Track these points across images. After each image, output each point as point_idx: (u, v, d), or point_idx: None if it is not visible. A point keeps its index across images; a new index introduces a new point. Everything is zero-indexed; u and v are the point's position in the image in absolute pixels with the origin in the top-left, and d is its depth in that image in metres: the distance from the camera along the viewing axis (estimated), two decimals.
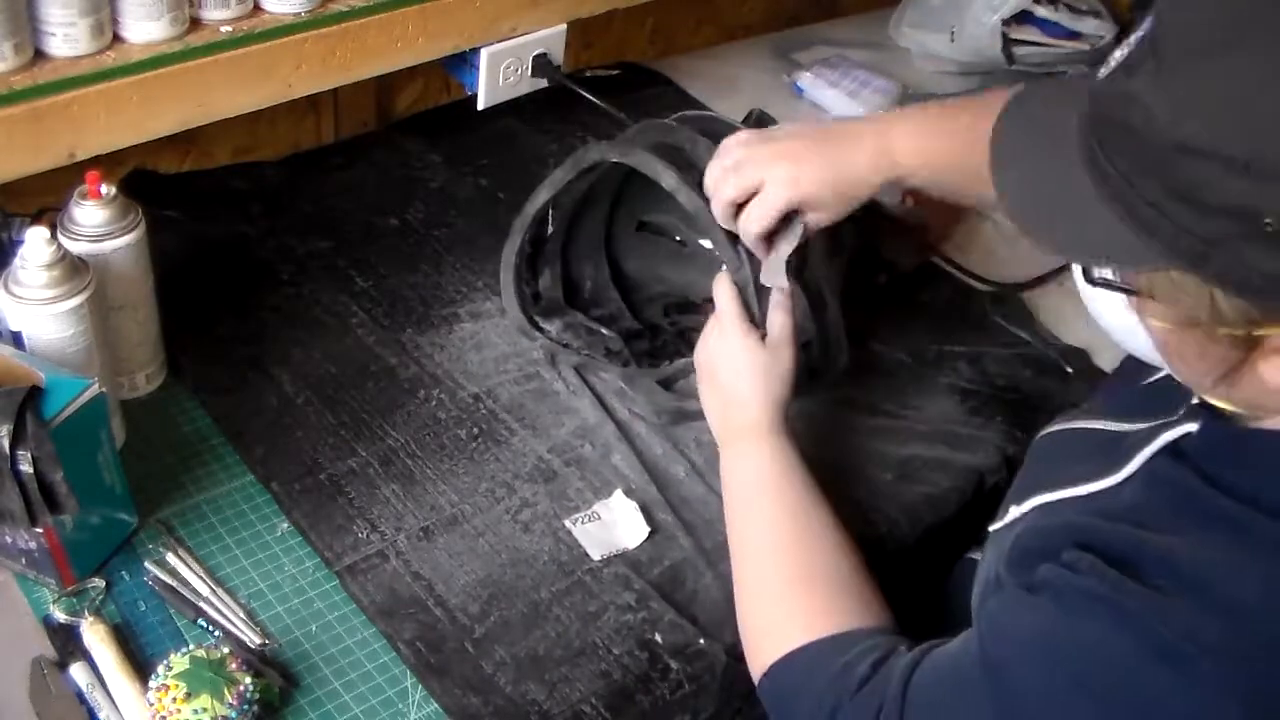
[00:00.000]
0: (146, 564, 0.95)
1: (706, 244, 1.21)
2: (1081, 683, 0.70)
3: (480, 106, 1.36)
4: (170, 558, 0.96)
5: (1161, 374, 0.88)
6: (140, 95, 1.04)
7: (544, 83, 1.38)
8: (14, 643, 0.89)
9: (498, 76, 1.33)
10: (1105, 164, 0.66)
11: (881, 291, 1.30)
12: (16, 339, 0.94)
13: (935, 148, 0.98)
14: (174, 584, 0.94)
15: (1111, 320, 0.78)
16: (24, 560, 0.92)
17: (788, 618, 0.89)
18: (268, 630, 0.93)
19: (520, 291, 1.20)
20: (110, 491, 0.94)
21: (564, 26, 1.36)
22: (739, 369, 1.00)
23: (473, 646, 0.93)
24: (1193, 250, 0.63)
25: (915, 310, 1.32)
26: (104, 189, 0.99)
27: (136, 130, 1.06)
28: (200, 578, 0.95)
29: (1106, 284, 0.72)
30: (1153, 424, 0.80)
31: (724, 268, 1.05)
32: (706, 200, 1.03)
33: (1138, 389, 0.90)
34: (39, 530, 0.87)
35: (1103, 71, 0.68)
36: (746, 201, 0.99)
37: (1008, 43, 1.69)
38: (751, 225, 0.99)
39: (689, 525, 1.05)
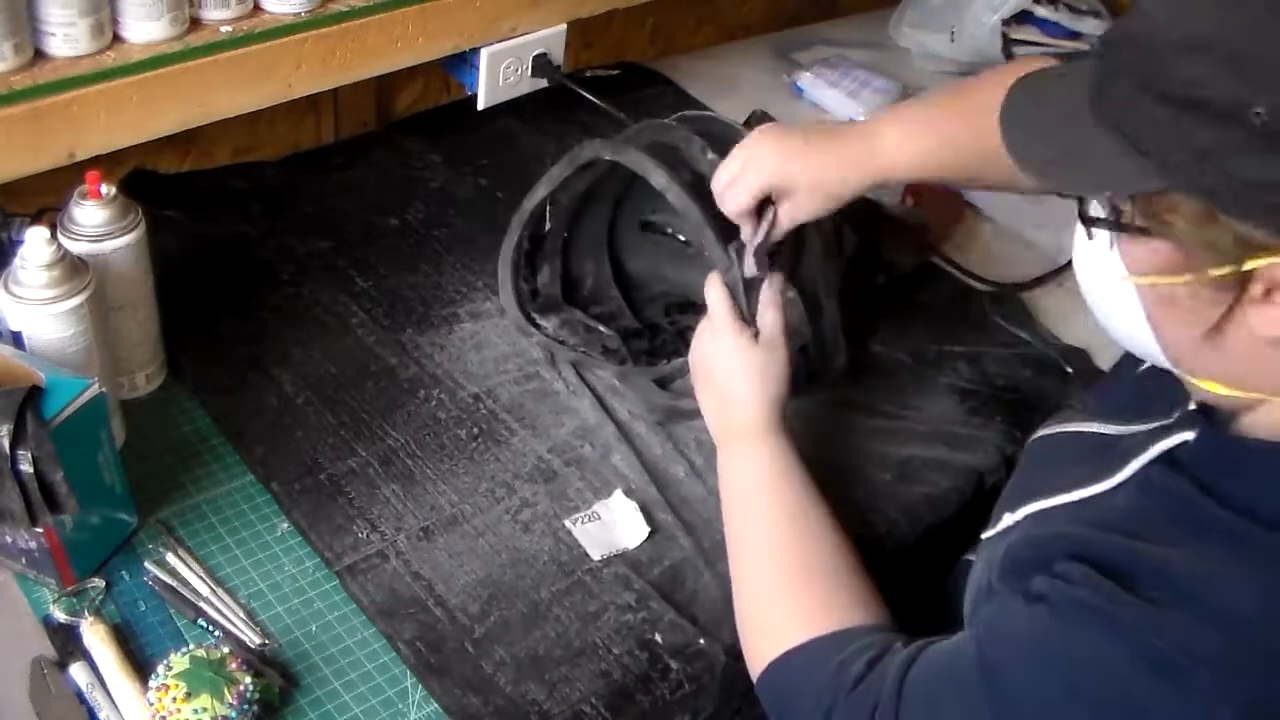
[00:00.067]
0: (146, 564, 0.96)
1: None
2: (1077, 692, 0.70)
3: (480, 106, 1.36)
4: (170, 558, 0.96)
5: (1151, 367, 0.88)
6: (140, 95, 1.04)
7: (544, 83, 1.38)
8: (14, 643, 0.89)
9: (498, 76, 1.33)
10: (1108, 91, 0.69)
11: (881, 291, 1.30)
12: (16, 339, 0.94)
13: (922, 148, 0.99)
14: (174, 584, 0.94)
15: (1110, 310, 0.77)
16: (24, 560, 0.92)
17: (785, 616, 0.89)
18: (268, 630, 0.93)
19: (518, 288, 1.21)
20: (110, 491, 0.94)
21: (564, 26, 1.36)
22: (733, 369, 1.00)
23: (473, 646, 0.93)
24: (1184, 165, 0.65)
25: (915, 310, 1.32)
26: (104, 189, 0.99)
27: (136, 130, 1.06)
28: (200, 578, 0.95)
29: (1104, 223, 0.72)
30: (1147, 427, 0.80)
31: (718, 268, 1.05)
32: (696, 200, 1.04)
33: (1130, 386, 0.90)
34: (39, 530, 0.87)
35: None
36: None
37: (1008, 43, 1.70)
38: (725, 204, 1.01)
39: (689, 525, 1.05)
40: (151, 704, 0.83)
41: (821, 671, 0.84)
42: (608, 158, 1.09)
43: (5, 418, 0.83)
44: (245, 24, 1.09)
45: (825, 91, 1.66)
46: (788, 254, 1.05)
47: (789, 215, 1.01)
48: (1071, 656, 0.71)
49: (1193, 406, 0.78)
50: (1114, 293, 0.75)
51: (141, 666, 0.88)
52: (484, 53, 1.30)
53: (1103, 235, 0.74)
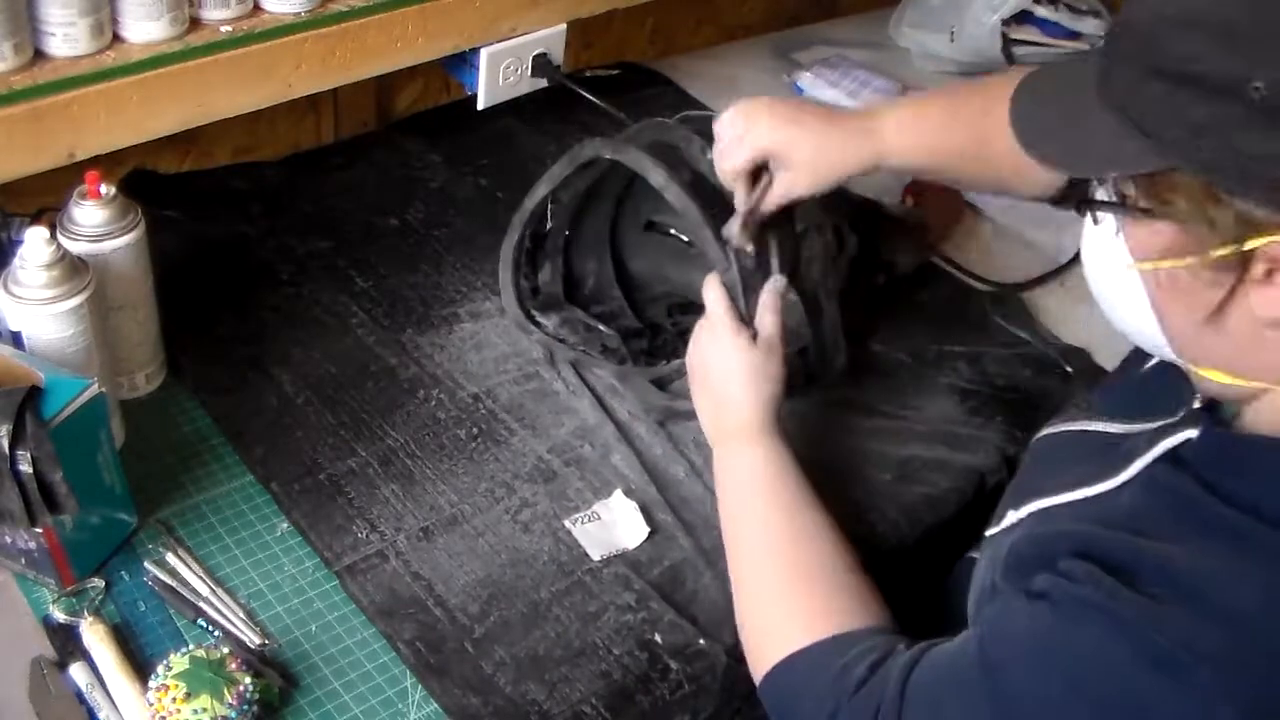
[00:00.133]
0: (146, 564, 0.95)
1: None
2: (1078, 689, 0.70)
3: (480, 106, 1.36)
4: (170, 558, 0.96)
5: (1155, 362, 0.88)
6: (140, 95, 1.04)
7: (544, 83, 1.38)
8: (14, 643, 0.89)
9: (498, 76, 1.33)
10: (1112, 74, 0.69)
11: (881, 291, 1.30)
12: (16, 339, 0.94)
13: (919, 138, 1.00)
14: (174, 584, 0.94)
15: (1115, 300, 0.77)
16: (24, 560, 0.92)
17: (786, 620, 0.89)
18: (268, 630, 0.93)
19: (518, 285, 1.21)
20: (110, 491, 0.94)
21: (564, 26, 1.36)
22: (730, 369, 1.00)
23: (473, 646, 0.93)
24: (1182, 141, 0.65)
25: (915, 310, 1.32)
26: (104, 189, 0.99)
27: (136, 130, 1.06)
28: (200, 578, 0.95)
29: (1107, 206, 0.72)
30: (1151, 426, 0.80)
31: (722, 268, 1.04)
32: (695, 199, 1.04)
33: (1133, 385, 0.90)
34: (39, 530, 0.87)
35: None
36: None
37: (1008, 43, 1.70)
38: (722, 160, 1.02)
39: (689, 525, 1.05)
40: (151, 704, 0.83)
41: (824, 675, 0.84)
42: (608, 156, 1.09)
43: (5, 418, 0.83)
44: (245, 24, 1.09)
45: (825, 91, 1.66)
46: (788, 255, 1.05)
47: (786, 187, 1.01)
48: (1073, 653, 0.71)
49: (1196, 404, 0.78)
50: (1119, 282, 0.75)
51: (141, 667, 0.88)
52: (484, 53, 1.30)
53: (1108, 224, 0.74)
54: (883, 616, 0.89)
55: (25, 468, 0.84)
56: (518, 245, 1.19)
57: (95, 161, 1.03)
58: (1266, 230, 0.65)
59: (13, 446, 0.83)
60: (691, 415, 1.12)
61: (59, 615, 0.91)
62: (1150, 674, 0.67)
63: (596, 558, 1.01)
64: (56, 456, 0.84)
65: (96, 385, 0.89)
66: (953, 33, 1.72)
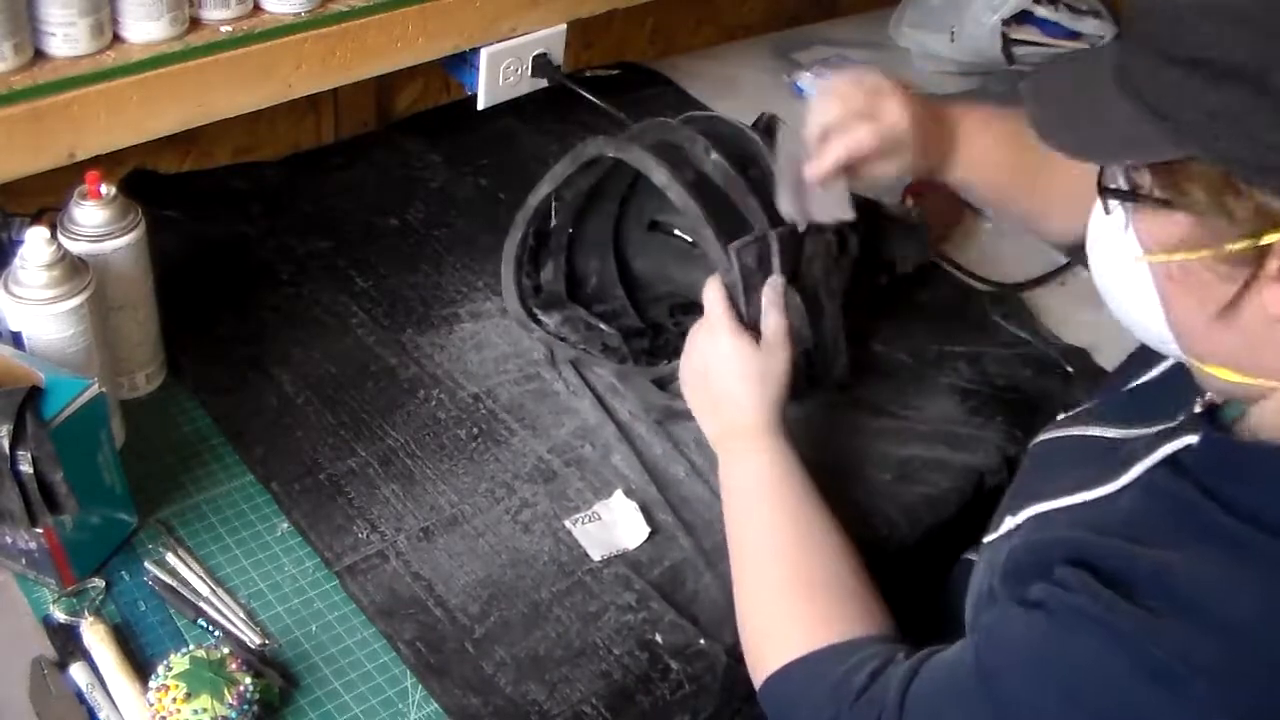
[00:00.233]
0: (146, 564, 0.95)
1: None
2: (1075, 700, 0.69)
3: (480, 106, 1.36)
4: (170, 558, 0.96)
5: (1157, 371, 0.87)
6: (140, 95, 1.04)
7: (544, 83, 1.38)
8: (14, 643, 0.89)
9: (498, 76, 1.33)
10: (1129, 61, 0.69)
11: (881, 292, 1.30)
12: (16, 339, 0.94)
13: (993, 157, 1.03)
14: (174, 584, 0.94)
15: (1121, 293, 0.77)
16: (24, 560, 0.92)
17: (787, 626, 0.89)
18: (268, 630, 0.93)
19: (520, 283, 1.21)
20: (110, 491, 0.94)
21: (564, 26, 1.36)
22: (731, 371, 1.00)
23: (473, 646, 0.93)
24: (1200, 127, 0.64)
25: (915, 310, 1.32)
26: (104, 189, 0.99)
27: (136, 130, 1.06)
28: (200, 578, 0.95)
29: (1122, 195, 0.71)
30: (1151, 431, 0.80)
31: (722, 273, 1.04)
32: (697, 199, 1.03)
33: (1134, 390, 0.89)
34: (39, 530, 0.87)
35: None
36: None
37: (1008, 43, 1.70)
38: (859, 143, 1.00)
39: (689, 525, 1.05)
40: (151, 704, 0.83)
41: (823, 683, 0.83)
42: (611, 155, 1.09)
43: (5, 418, 0.83)
44: (245, 24, 1.09)
45: None
46: (789, 255, 1.05)
47: (876, 171, 1.01)
48: (1069, 664, 0.70)
49: (1198, 409, 0.78)
50: (1127, 275, 0.74)
51: (141, 667, 0.88)
52: (484, 53, 1.30)
53: (1118, 217, 0.73)
54: (884, 624, 0.89)
55: (25, 468, 0.84)
56: (520, 243, 1.19)
57: (95, 161, 1.03)
58: None
59: (13, 446, 0.83)
60: (692, 415, 1.12)
61: (59, 615, 0.91)
62: (1147, 686, 0.67)
63: (597, 558, 1.01)
64: (57, 456, 0.84)
65: (97, 385, 0.89)
66: (953, 33, 1.72)
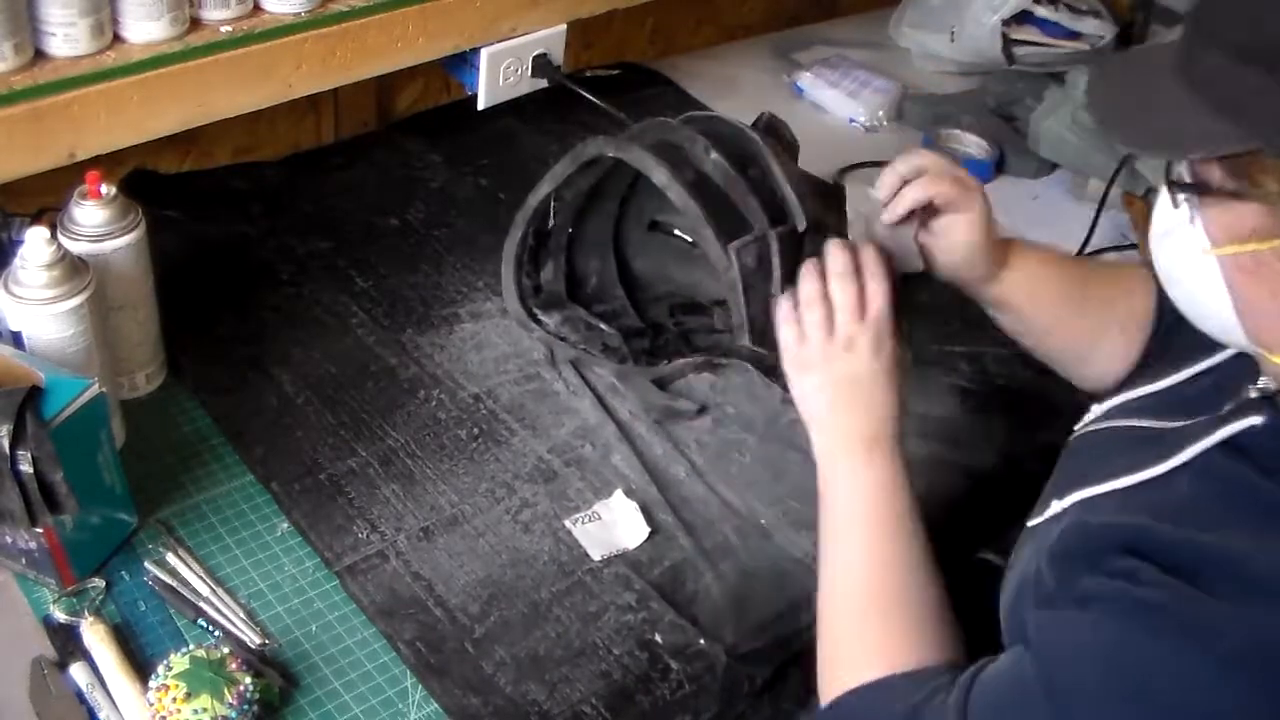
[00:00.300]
0: (146, 564, 0.95)
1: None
2: (1148, 698, 0.68)
3: (480, 106, 1.36)
4: (170, 558, 0.96)
5: (1195, 369, 0.87)
6: (140, 95, 1.04)
7: (544, 83, 1.38)
8: (14, 643, 0.89)
9: (498, 76, 1.33)
10: (1196, 54, 0.69)
11: None
12: (16, 339, 0.94)
13: (1039, 285, 1.04)
14: (174, 584, 0.94)
15: (1191, 287, 0.76)
16: (24, 560, 0.92)
17: (864, 647, 0.85)
18: (268, 630, 0.93)
19: (520, 283, 1.21)
20: (110, 491, 0.94)
21: (564, 26, 1.36)
22: (840, 379, 0.92)
23: (473, 646, 0.93)
24: (1269, 120, 0.65)
25: (915, 310, 1.31)
26: (104, 189, 0.99)
27: (136, 130, 1.06)
28: (200, 578, 0.95)
29: (1191, 188, 0.72)
30: (1199, 420, 0.79)
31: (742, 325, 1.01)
32: (697, 199, 1.03)
33: (1174, 387, 0.88)
34: (39, 530, 0.87)
35: None
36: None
37: (1008, 43, 1.70)
38: (940, 192, 0.99)
39: (689, 525, 1.05)
40: (151, 704, 0.83)
41: (896, 709, 0.80)
42: (611, 155, 1.09)
43: (5, 418, 0.83)
44: (245, 24, 1.09)
45: (825, 91, 1.66)
46: (789, 257, 1.05)
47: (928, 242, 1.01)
48: (1138, 661, 0.68)
49: (1254, 394, 0.77)
50: (1194, 267, 0.74)
51: (141, 666, 0.88)
52: (484, 53, 1.30)
53: (1183, 212, 0.74)
54: (956, 650, 0.85)
55: (26, 468, 0.84)
56: (520, 243, 1.19)
57: (95, 161, 1.03)
58: None
59: (13, 446, 0.83)
60: (692, 415, 1.12)
61: (59, 615, 0.91)
62: (1224, 674, 0.65)
63: (597, 558, 1.01)
64: (57, 456, 0.84)
65: (97, 385, 0.89)
66: (953, 33, 1.73)
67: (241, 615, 0.93)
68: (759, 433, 1.14)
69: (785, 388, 1.01)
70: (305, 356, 1.16)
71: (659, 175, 1.05)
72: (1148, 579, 0.70)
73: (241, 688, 0.83)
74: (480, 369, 1.17)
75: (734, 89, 1.65)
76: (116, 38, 1.03)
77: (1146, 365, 0.98)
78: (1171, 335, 0.98)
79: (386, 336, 1.19)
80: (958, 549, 1.07)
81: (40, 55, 1.00)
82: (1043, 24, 1.72)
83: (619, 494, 1.06)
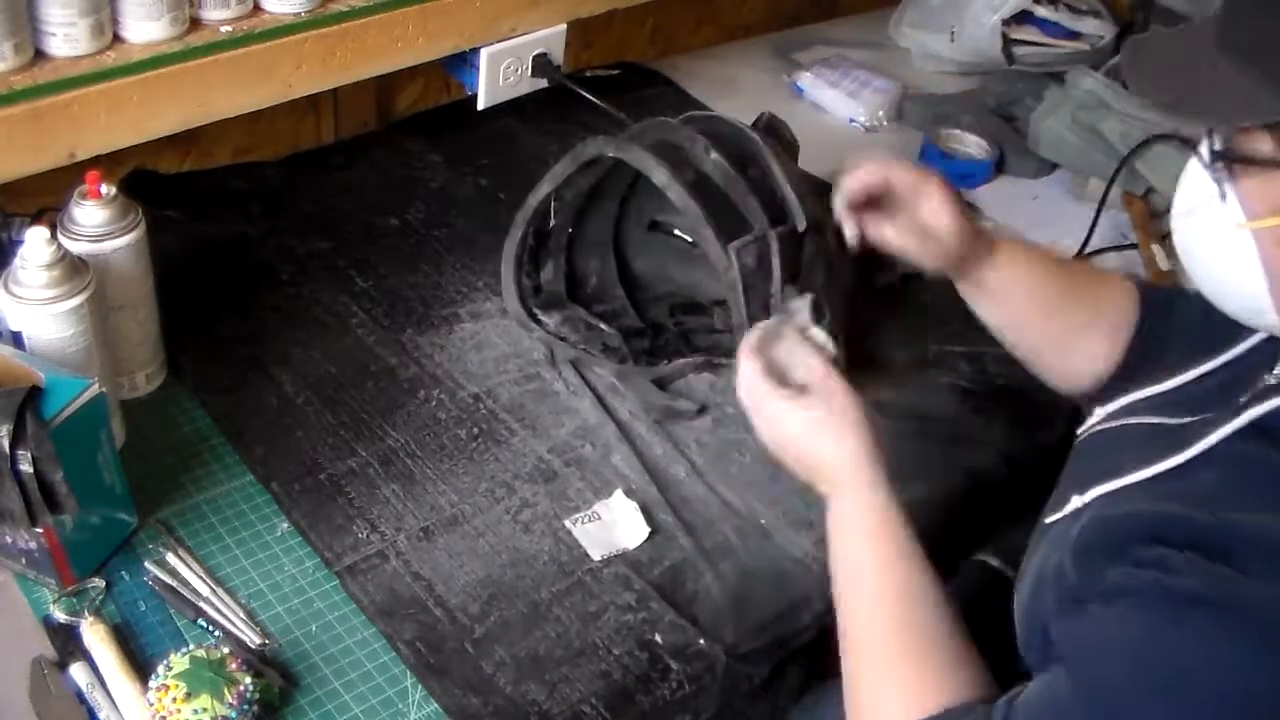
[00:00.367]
0: (146, 564, 0.95)
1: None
2: (1184, 689, 0.66)
3: (480, 106, 1.36)
4: (170, 558, 0.96)
5: (1204, 368, 0.86)
6: (140, 95, 1.04)
7: (544, 83, 1.38)
8: (14, 643, 0.89)
9: (498, 76, 1.33)
10: (1238, 22, 0.70)
11: (882, 292, 1.30)
12: (16, 339, 0.94)
13: (1024, 256, 1.05)
14: (174, 584, 0.94)
15: (1220, 264, 0.76)
16: (24, 560, 0.92)
17: (897, 688, 0.82)
18: (268, 630, 0.93)
19: (520, 283, 1.21)
20: (110, 491, 0.94)
21: (564, 26, 1.36)
22: (794, 435, 0.90)
23: (473, 646, 0.93)
24: None
25: (915, 310, 1.32)
26: (104, 189, 0.99)
27: (136, 130, 1.06)
28: (200, 578, 0.95)
29: (1235, 158, 0.72)
30: (1214, 413, 0.78)
31: (740, 346, 0.96)
32: (697, 199, 1.03)
33: (1183, 386, 0.88)
34: (39, 530, 0.87)
35: None
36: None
37: (1008, 43, 1.70)
38: (859, 171, 1.02)
39: (689, 526, 1.05)
40: (151, 704, 0.83)
41: None
42: (611, 155, 1.09)
43: (5, 418, 0.83)
44: (245, 24, 1.09)
45: (825, 91, 1.66)
46: (790, 258, 1.05)
47: (887, 234, 1.02)
48: (1178, 652, 0.67)
49: (1272, 381, 0.77)
50: (1225, 245, 0.74)
51: (141, 666, 0.88)
52: (484, 53, 1.30)
53: (1211, 188, 0.73)
54: (983, 683, 0.83)
55: (26, 468, 0.84)
56: (520, 242, 1.19)
57: (95, 161, 1.03)
58: None
59: (13, 446, 0.83)
60: (692, 415, 1.12)
61: (59, 615, 0.91)
62: (1271, 658, 0.65)
63: (597, 558, 1.01)
64: (57, 456, 0.84)
65: (97, 385, 0.89)
66: (953, 33, 1.73)
67: (241, 615, 0.93)
68: None
69: None
70: (305, 356, 1.16)
71: (659, 175, 1.05)
72: (1177, 566, 0.69)
73: (241, 688, 0.83)
74: (480, 369, 1.17)
75: (734, 89, 1.65)
76: (116, 38, 1.03)
77: (1139, 368, 0.97)
78: (1158, 338, 0.98)
79: (386, 336, 1.19)
80: (957, 549, 1.07)
81: (40, 55, 1.00)
82: (1043, 24, 1.72)
83: (619, 494, 1.06)
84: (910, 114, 1.65)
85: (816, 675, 0.97)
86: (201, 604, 0.93)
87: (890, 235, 1.02)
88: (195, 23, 1.08)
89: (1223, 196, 0.73)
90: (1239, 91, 0.69)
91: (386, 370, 1.16)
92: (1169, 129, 1.41)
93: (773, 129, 1.15)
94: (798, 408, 0.89)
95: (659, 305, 1.27)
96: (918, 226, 1.02)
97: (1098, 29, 1.73)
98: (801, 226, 1.06)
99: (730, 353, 1.19)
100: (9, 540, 0.90)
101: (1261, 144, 0.70)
